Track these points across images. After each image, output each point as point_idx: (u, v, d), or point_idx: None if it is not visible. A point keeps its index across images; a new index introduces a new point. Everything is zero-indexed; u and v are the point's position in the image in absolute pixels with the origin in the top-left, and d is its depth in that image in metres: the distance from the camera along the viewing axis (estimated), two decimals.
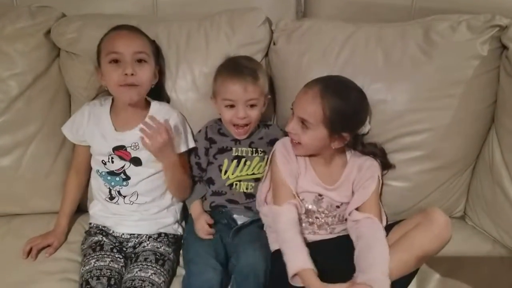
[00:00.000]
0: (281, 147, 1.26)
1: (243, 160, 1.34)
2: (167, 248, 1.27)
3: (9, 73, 1.36)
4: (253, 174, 1.34)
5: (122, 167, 1.29)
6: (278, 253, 1.19)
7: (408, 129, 1.29)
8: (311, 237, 1.23)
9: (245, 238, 1.24)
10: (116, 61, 1.22)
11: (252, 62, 1.31)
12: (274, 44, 1.40)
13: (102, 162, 1.30)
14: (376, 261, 1.07)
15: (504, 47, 1.25)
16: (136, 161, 1.29)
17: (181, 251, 1.32)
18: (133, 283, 1.13)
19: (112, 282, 1.14)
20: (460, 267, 1.22)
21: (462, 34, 1.26)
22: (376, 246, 1.10)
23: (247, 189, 1.33)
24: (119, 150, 1.29)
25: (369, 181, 1.23)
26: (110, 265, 1.18)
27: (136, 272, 1.17)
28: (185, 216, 1.41)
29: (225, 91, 1.27)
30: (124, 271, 1.21)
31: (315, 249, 1.14)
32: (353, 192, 1.25)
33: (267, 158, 1.33)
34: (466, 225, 1.42)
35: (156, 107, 1.32)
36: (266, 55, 1.43)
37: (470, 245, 1.31)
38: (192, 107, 1.39)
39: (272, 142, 1.34)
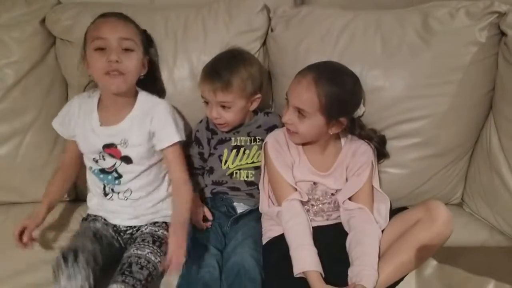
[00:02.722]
0: (273, 141, 1.24)
1: (242, 149, 1.34)
2: (165, 232, 1.26)
3: (5, 61, 1.36)
4: (253, 162, 1.34)
5: (114, 165, 1.25)
6: (272, 243, 1.20)
7: (405, 116, 1.29)
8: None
9: (239, 232, 1.24)
10: (101, 49, 1.16)
11: (231, 66, 1.26)
12: (272, 30, 1.39)
13: (94, 160, 1.27)
14: (363, 256, 1.08)
15: (503, 34, 1.24)
16: (127, 159, 1.24)
17: None
18: (129, 260, 1.13)
19: (86, 255, 1.09)
20: (457, 254, 1.22)
21: (460, 21, 1.25)
22: (364, 240, 1.11)
23: (247, 177, 1.34)
24: (109, 147, 1.24)
25: (363, 167, 1.22)
26: (91, 244, 1.14)
27: (133, 251, 1.16)
28: None
29: (200, 90, 1.29)
30: (109, 251, 1.20)
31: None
32: (347, 178, 1.25)
33: None
34: (464, 212, 1.43)
35: (143, 97, 1.27)
36: (264, 43, 1.42)
37: (468, 232, 1.31)
38: (191, 96, 1.38)
39: (270, 130, 1.34)
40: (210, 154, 1.37)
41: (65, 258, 1.05)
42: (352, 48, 1.30)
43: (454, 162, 1.37)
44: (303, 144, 1.25)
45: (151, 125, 1.23)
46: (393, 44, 1.28)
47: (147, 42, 1.29)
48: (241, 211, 1.32)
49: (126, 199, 1.28)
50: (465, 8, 1.25)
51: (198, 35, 1.37)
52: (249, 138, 1.35)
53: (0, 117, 1.36)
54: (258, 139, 1.35)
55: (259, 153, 1.34)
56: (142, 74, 1.24)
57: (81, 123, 1.27)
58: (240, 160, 1.34)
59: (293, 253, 1.12)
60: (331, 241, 1.14)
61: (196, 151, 1.37)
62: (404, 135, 1.30)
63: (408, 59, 1.27)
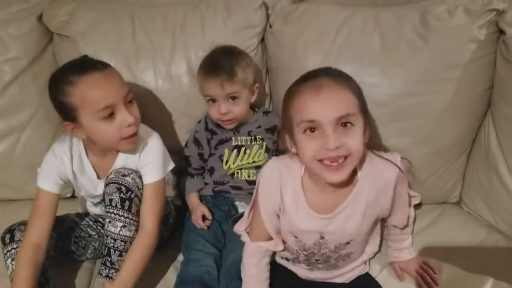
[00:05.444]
0: (266, 182, 1.04)
1: (242, 149, 1.34)
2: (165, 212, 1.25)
3: (3, 57, 1.36)
4: (254, 162, 1.34)
5: None
6: None
7: (403, 114, 1.28)
8: (307, 274, 1.15)
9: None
10: (109, 109, 1.02)
11: (230, 58, 1.25)
12: (270, 27, 1.39)
13: (92, 203, 1.27)
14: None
15: (501, 32, 1.24)
16: None
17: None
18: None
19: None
20: (455, 252, 1.22)
21: (459, 18, 1.24)
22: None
23: (248, 176, 1.34)
24: None
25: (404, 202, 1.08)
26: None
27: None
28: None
29: (204, 88, 1.27)
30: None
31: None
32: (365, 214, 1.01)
33: (265, 145, 1.34)
34: (462, 210, 1.42)
35: None
36: (262, 40, 1.41)
37: (466, 231, 1.31)
38: (188, 91, 1.38)
39: (270, 130, 1.35)
40: (211, 155, 1.37)
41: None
42: (350, 44, 1.29)
43: (452, 160, 1.36)
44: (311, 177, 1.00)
45: (139, 156, 1.15)
46: (391, 41, 1.27)
47: None
48: (242, 210, 1.31)
49: None
50: (463, 6, 1.25)
51: (196, 31, 1.36)
52: (250, 137, 1.35)
53: None
54: (259, 138, 1.34)
55: (260, 152, 1.34)
56: None
57: (76, 178, 1.17)
58: (241, 160, 1.33)
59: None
60: None
61: (196, 151, 1.37)
62: (402, 133, 1.29)
63: (406, 56, 1.26)
